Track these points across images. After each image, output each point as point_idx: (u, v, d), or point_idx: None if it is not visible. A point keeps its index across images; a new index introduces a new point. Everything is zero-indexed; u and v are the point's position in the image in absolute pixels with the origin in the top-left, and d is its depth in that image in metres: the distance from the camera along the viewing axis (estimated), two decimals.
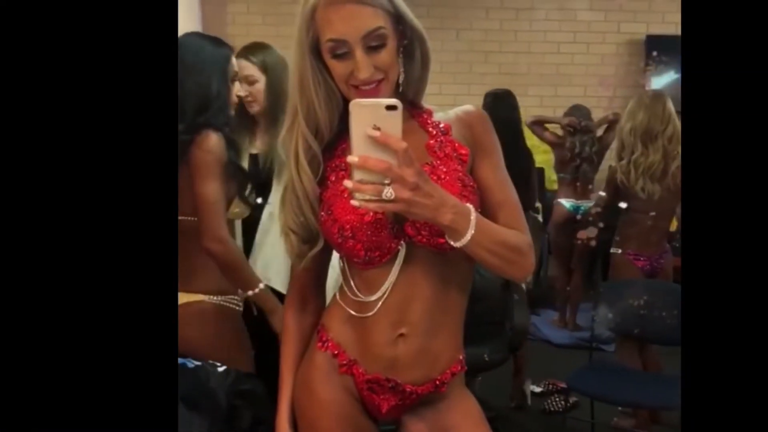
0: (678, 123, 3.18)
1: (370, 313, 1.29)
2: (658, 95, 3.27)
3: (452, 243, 1.17)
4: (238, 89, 2.10)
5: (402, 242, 1.26)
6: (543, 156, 5.49)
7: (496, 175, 1.31)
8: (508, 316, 3.18)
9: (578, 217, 4.57)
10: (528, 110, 5.72)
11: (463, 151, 1.28)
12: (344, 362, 1.35)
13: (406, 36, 1.25)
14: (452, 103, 1.36)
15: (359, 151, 1.09)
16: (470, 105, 1.36)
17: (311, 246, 1.34)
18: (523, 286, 4.17)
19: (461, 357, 1.38)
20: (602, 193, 3.35)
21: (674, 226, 3.53)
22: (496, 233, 1.22)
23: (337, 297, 1.38)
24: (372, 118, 1.08)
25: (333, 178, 1.30)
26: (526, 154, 4.17)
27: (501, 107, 3.79)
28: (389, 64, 1.22)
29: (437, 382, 1.34)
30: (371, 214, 1.23)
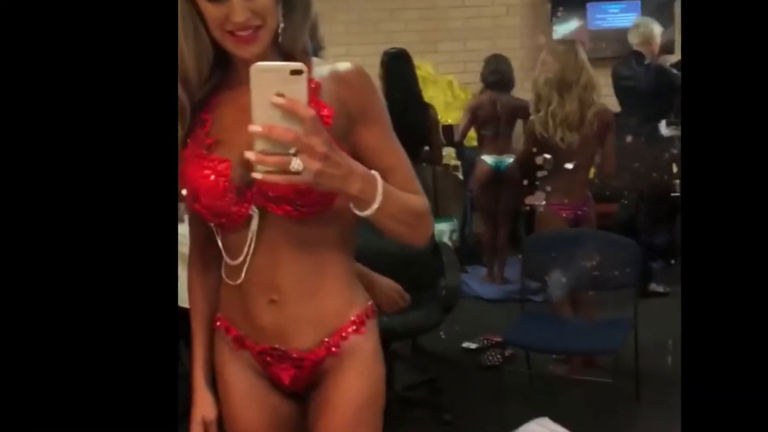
0: (591, 70, 3.19)
1: (239, 281, 1.26)
2: (569, 44, 3.29)
3: (358, 212, 1.13)
4: None
5: (253, 207, 1.20)
6: (457, 113, 5.48)
7: (384, 138, 1.24)
8: (440, 278, 3.19)
9: (501, 172, 4.58)
10: (440, 66, 5.73)
11: (326, 113, 1.18)
12: (235, 336, 1.32)
13: None
14: (362, 64, 1.27)
15: (261, 119, 1.01)
16: (349, 62, 1.25)
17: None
18: (450, 244, 4.20)
19: (354, 317, 1.30)
20: (547, 156, 3.33)
21: (591, 173, 3.57)
22: (400, 200, 1.18)
23: (222, 270, 1.33)
24: (275, 84, 1.01)
25: (190, 140, 1.23)
26: (425, 110, 4.17)
27: (397, 64, 3.79)
28: (267, 8, 1.13)
29: (328, 345, 1.29)
30: (214, 176, 1.19)
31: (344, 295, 1.31)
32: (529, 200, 3.45)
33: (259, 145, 1.02)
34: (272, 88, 1.01)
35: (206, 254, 1.38)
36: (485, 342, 3.78)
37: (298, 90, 1.02)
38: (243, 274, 1.25)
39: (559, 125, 3.15)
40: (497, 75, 4.62)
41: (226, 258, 1.28)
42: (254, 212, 1.20)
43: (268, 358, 1.30)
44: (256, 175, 1.04)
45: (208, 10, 1.13)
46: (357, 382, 1.31)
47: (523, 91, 5.06)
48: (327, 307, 1.29)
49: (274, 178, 1.04)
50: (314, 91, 1.18)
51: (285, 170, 1.02)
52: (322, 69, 1.23)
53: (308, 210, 1.19)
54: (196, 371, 1.38)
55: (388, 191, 1.14)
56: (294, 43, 1.21)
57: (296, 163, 1.01)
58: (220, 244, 1.28)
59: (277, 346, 1.28)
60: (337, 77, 1.22)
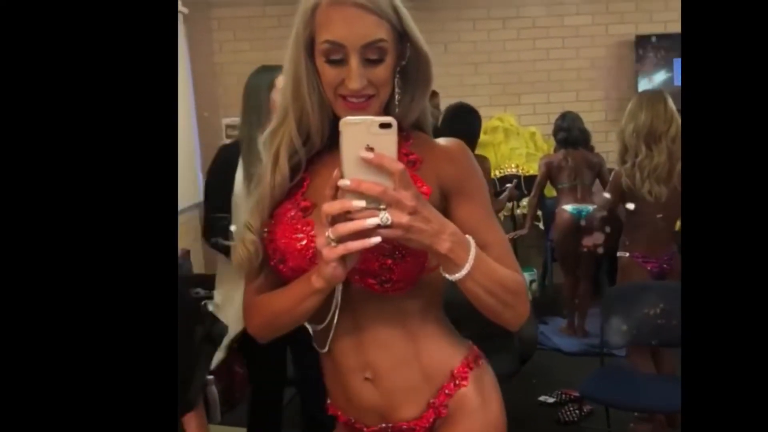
0: (680, 121, 3.13)
1: (326, 350, 1.22)
2: (657, 94, 3.21)
3: (447, 276, 1.07)
4: None
5: None
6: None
7: (480, 214, 1.19)
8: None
9: (582, 222, 4.52)
10: (523, 118, 5.74)
11: (424, 189, 1.15)
12: (345, 422, 1.28)
13: (405, 56, 1.16)
14: (441, 115, 1.29)
15: (350, 173, 1.00)
16: (452, 138, 1.24)
17: (257, 256, 1.23)
18: (529, 295, 4.14)
19: (455, 371, 1.24)
20: (606, 195, 3.27)
21: (677, 226, 3.47)
22: (494, 270, 1.11)
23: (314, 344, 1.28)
24: (364, 138, 1.00)
25: (286, 200, 1.22)
26: (480, 162, 4.18)
27: (458, 121, 3.80)
28: (384, 80, 1.12)
29: (436, 407, 1.23)
30: (306, 240, 1.15)
31: (441, 353, 1.25)
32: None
33: (349, 199, 1.00)
34: (361, 141, 1.00)
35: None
36: (563, 396, 3.68)
37: (387, 144, 1.00)
38: (329, 343, 1.21)
39: (647, 177, 3.06)
40: (564, 132, 4.66)
41: (309, 324, 1.24)
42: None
43: None
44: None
45: (325, 71, 1.12)
46: (483, 419, 1.25)
47: (609, 142, 5.03)
48: (425, 370, 1.23)
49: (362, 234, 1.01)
50: (415, 164, 1.18)
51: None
52: (424, 144, 1.22)
53: (391, 287, 1.14)
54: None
55: (481, 257, 1.09)
56: (406, 116, 1.20)
57: (384, 217, 0.99)
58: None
59: (384, 425, 1.23)
60: (440, 153, 1.21)
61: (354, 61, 1.09)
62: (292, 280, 1.18)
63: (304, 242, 1.16)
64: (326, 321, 1.19)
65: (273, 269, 1.22)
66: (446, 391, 1.23)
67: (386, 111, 1.17)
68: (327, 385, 1.30)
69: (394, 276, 1.12)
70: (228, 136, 5.55)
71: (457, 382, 1.24)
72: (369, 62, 1.10)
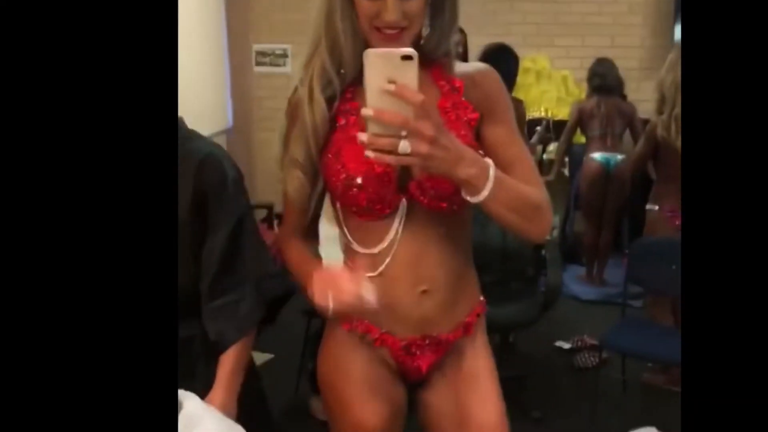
0: None
1: (382, 268, 1.27)
2: None
3: (469, 198, 1.14)
4: None
5: (404, 198, 1.25)
6: (570, 108, 5.40)
7: (507, 134, 1.27)
8: (540, 274, 3.17)
9: (610, 170, 4.51)
10: (556, 61, 5.65)
11: (473, 116, 1.25)
12: (376, 336, 1.34)
13: None
14: (477, 53, 1.30)
15: (374, 103, 1.05)
16: (482, 64, 1.33)
17: (314, 185, 1.31)
18: (555, 242, 4.17)
19: (481, 297, 1.42)
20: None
21: None
22: (514, 189, 1.18)
23: (347, 263, 1.34)
24: (387, 69, 1.04)
25: (343, 122, 1.27)
26: (516, 107, 4.12)
27: (495, 61, 3.74)
28: (417, 12, 1.18)
29: (466, 325, 1.36)
30: (380, 166, 1.21)
31: (474, 278, 1.40)
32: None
33: (372, 127, 1.05)
34: (384, 73, 1.04)
35: (305, 234, 1.40)
36: (579, 343, 3.74)
37: (409, 75, 1.04)
38: (384, 266, 1.28)
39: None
40: (600, 79, 4.59)
41: (356, 247, 1.30)
42: (403, 203, 1.25)
43: (414, 349, 1.34)
44: (368, 154, 1.06)
45: (362, 5, 1.17)
46: (488, 354, 1.42)
47: (640, 91, 4.96)
48: (466, 290, 1.36)
49: (385, 158, 1.06)
50: (458, 91, 1.26)
51: (394, 152, 1.05)
52: (459, 68, 1.29)
53: (458, 208, 1.25)
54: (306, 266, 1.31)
55: (501, 179, 1.15)
56: (437, 48, 1.26)
57: (404, 145, 1.04)
58: (347, 234, 1.31)
59: (426, 333, 1.33)
60: (476, 78, 1.28)
61: None
62: (362, 206, 1.25)
63: (380, 168, 1.21)
64: (383, 244, 1.27)
65: (337, 192, 1.27)
66: (477, 313, 1.39)
67: (417, 43, 1.22)
68: None
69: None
70: (258, 63, 5.51)
71: (483, 306, 1.42)
72: None
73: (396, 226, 1.26)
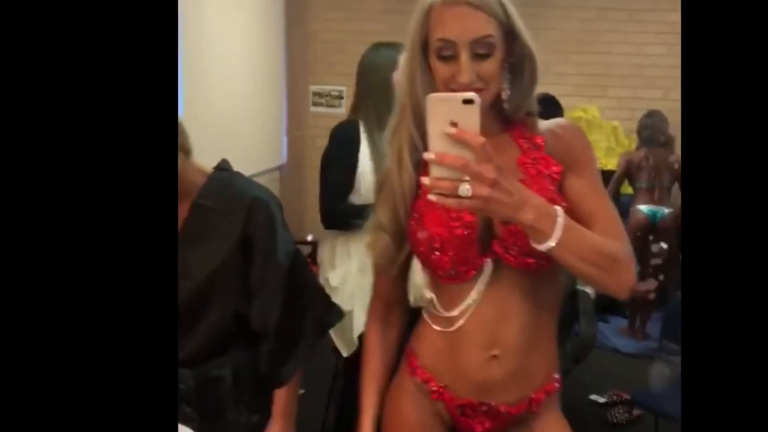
0: None
1: (454, 328, 1.27)
2: None
3: (536, 246, 1.11)
4: None
5: (488, 259, 1.23)
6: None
7: (589, 187, 1.25)
8: (574, 325, 3.16)
9: (656, 223, 4.50)
10: (606, 111, 5.66)
11: (556, 169, 1.25)
12: (435, 389, 1.33)
13: (515, 52, 1.22)
14: None
15: (436, 147, 1.05)
16: (563, 119, 1.33)
17: (401, 250, 1.32)
18: (590, 292, 4.15)
19: (557, 376, 1.35)
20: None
21: None
22: (589, 238, 1.15)
23: (425, 318, 1.36)
24: (449, 113, 1.05)
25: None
26: None
27: (540, 110, 3.75)
28: (492, 74, 1.18)
29: (532, 401, 1.31)
30: (462, 228, 1.21)
31: (553, 352, 1.34)
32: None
33: (435, 171, 1.05)
34: (446, 117, 1.05)
35: (390, 309, 1.44)
36: (614, 397, 3.70)
37: (471, 119, 1.05)
38: (460, 325, 1.27)
39: None
40: (649, 131, 4.59)
41: (438, 310, 1.30)
42: (487, 264, 1.24)
43: (469, 411, 1.32)
44: (431, 197, 1.06)
45: (437, 67, 1.19)
46: (566, 428, 1.39)
47: None
48: (540, 363, 1.31)
49: (447, 201, 1.05)
50: (540, 147, 1.26)
51: (456, 195, 1.05)
52: (540, 126, 1.30)
53: (549, 262, 1.18)
54: (365, 429, 1.40)
55: (572, 227, 1.12)
56: (518, 108, 1.26)
57: (464, 189, 1.04)
58: (431, 295, 1.31)
59: (484, 400, 1.30)
60: (557, 133, 1.28)
61: (464, 56, 1.16)
62: (447, 269, 1.25)
63: (460, 229, 1.22)
64: (462, 306, 1.26)
65: (422, 257, 1.29)
66: (547, 390, 1.33)
67: (496, 105, 1.24)
68: (425, 351, 1.36)
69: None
70: (314, 104, 5.68)
71: (556, 385, 1.35)
72: (478, 57, 1.17)
73: (479, 287, 1.24)
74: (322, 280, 2.46)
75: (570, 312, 3.18)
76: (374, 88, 2.35)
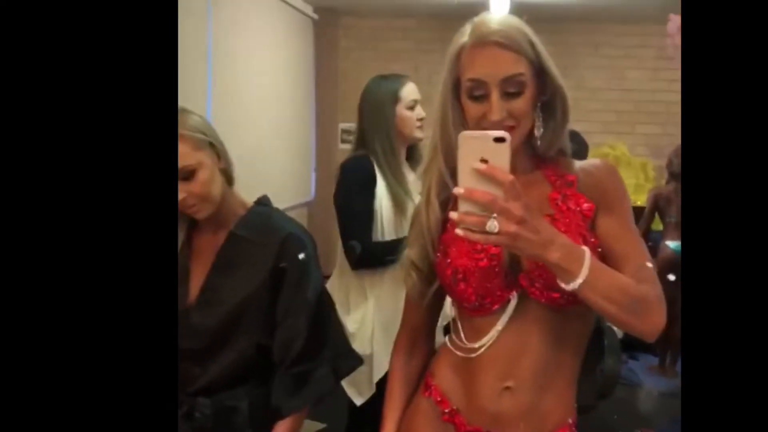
0: None
1: (473, 355, 1.28)
2: None
3: (563, 285, 1.11)
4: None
5: (514, 292, 1.24)
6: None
7: (621, 227, 1.24)
8: (600, 362, 3.14)
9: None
10: (635, 148, 5.66)
11: (586, 206, 1.25)
12: (446, 410, 1.34)
13: (546, 90, 1.23)
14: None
15: (466, 183, 1.07)
16: (598, 159, 1.33)
17: (430, 284, 1.34)
18: (616, 330, 4.11)
19: (571, 420, 1.32)
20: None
21: None
22: (617, 280, 1.14)
23: (447, 343, 1.38)
24: (480, 150, 1.07)
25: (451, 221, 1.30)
26: None
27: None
28: (523, 112, 1.20)
29: None
30: (486, 260, 1.23)
31: (570, 396, 1.32)
32: None
33: (464, 206, 1.07)
34: (477, 154, 1.07)
35: (416, 340, 1.45)
36: None
37: (501, 157, 1.06)
38: (480, 353, 1.27)
39: None
40: (678, 165, 4.55)
41: (462, 340, 1.31)
42: (514, 297, 1.24)
43: None
44: (458, 232, 1.07)
45: (468, 107, 1.21)
46: None
47: None
48: (555, 405, 1.29)
49: (473, 236, 1.07)
50: (572, 185, 1.27)
51: (484, 230, 1.06)
52: (574, 165, 1.30)
53: (573, 298, 1.17)
54: None
55: (600, 267, 1.13)
56: (550, 146, 1.27)
57: (492, 225, 1.05)
58: (460, 329, 1.32)
59: (491, 431, 1.29)
60: (591, 172, 1.28)
61: (494, 95, 1.18)
62: (472, 301, 1.26)
63: (485, 261, 1.24)
64: (486, 338, 1.27)
65: (449, 289, 1.31)
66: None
67: (529, 143, 1.26)
68: (441, 373, 1.37)
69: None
70: (343, 141, 5.77)
71: (570, 429, 1.32)
72: (508, 95, 1.18)
73: (503, 320, 1.25)
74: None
75: (596, 348, 3.16)
76: (379, 122, 2.31)
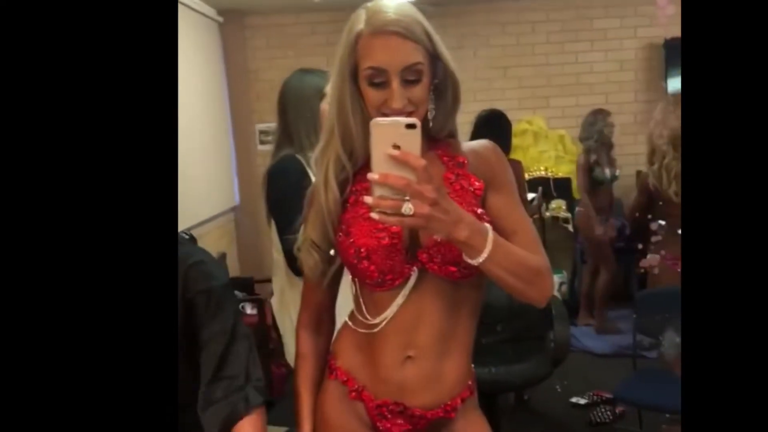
0: None
1: (374, 330, 1.32)
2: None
3: (469, 260, 1.19)
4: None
5: (414, 268, 1.29)
6: (569, 166, 5.50)
7: (509, 204, 1.33)
8: (549, 330, 3.18)
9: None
10: (552, 121, 5.77)
11: (477, 185, 1.31)
12: (354, 388, 1.38)
13: (438, 75, 1.29)
14: (473, 121, 1.35)
15: (379, 168, 1.12)
16: (484, 140, 1.40)
17: (330, 264, 1.38)
18: (560, 297, 4.19)
19: (470, 382, 1.41)
20: (662, 222, 3.28)
21: None
22: (514, 253, 1.23)
23: (348, 322, 1.41)
24: (392, 137, 1.12)
25: (352, 201, 1.34)
26: (513, 167, 4.24)
27: (489, 126, 3.86)
28: (421, 98, 1.25)
29: (447, 408, 1.36)
30: (388, 238, 1.28)
31: (467, 360, 1.39)
32: (644, 263, 3.39)
33: (377, 191, 1.12)
34: (389, 140, 1.12)
35: (321, 318, 1.48)
36: (594, 398, 3.73)
37: (412, 142, 1.12)
38: (381, 327, 1.32)
39: (674, 179, 3.10)
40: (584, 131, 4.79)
41: (364, 315, 1.35)
42: (414, 272, 1.29)
43: (385, 412, 1.36)
44: (374, 215, 1.13)
45: (369, 94, 1.25)
46: (485, 429, 1.42)
47: (638, 144, 5.06)
48: (454, 370, 1.36)
49: (389, 219, 1.12)
50: (463, 166, 1.34)
51: (398, 213, 1.11)
52: (463, 147, 1.37)
53: (470, 271, 1.26)
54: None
55: (500, 243, 1.21)
56: (442, 128, 1.34)
57: (407, 207, 1.11)
58: (362, 305, 1.35)
59: (399, 401, 1.34)
60: (479, 152, 1.36)
61: (395, 83, 1.23)
62: (374, 278, 1.30)
63: (386, 239, 1.28)
64: (386, 312, 1.31)
65: (351, 267, 1.34)
66: (462, 398, 1.38)
67: (423, 125, 1.27)
68: (344, 353, 1.40)
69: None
70: (262, 142, 5.66)
71: (470, 392, 1.40)
72: (408, 83, 1.23)
73: (404, 293, 1.30)
74: (288, 322, 2.31)
75: (543, 318, 3.20)
76: (306, 118, 2.23)
